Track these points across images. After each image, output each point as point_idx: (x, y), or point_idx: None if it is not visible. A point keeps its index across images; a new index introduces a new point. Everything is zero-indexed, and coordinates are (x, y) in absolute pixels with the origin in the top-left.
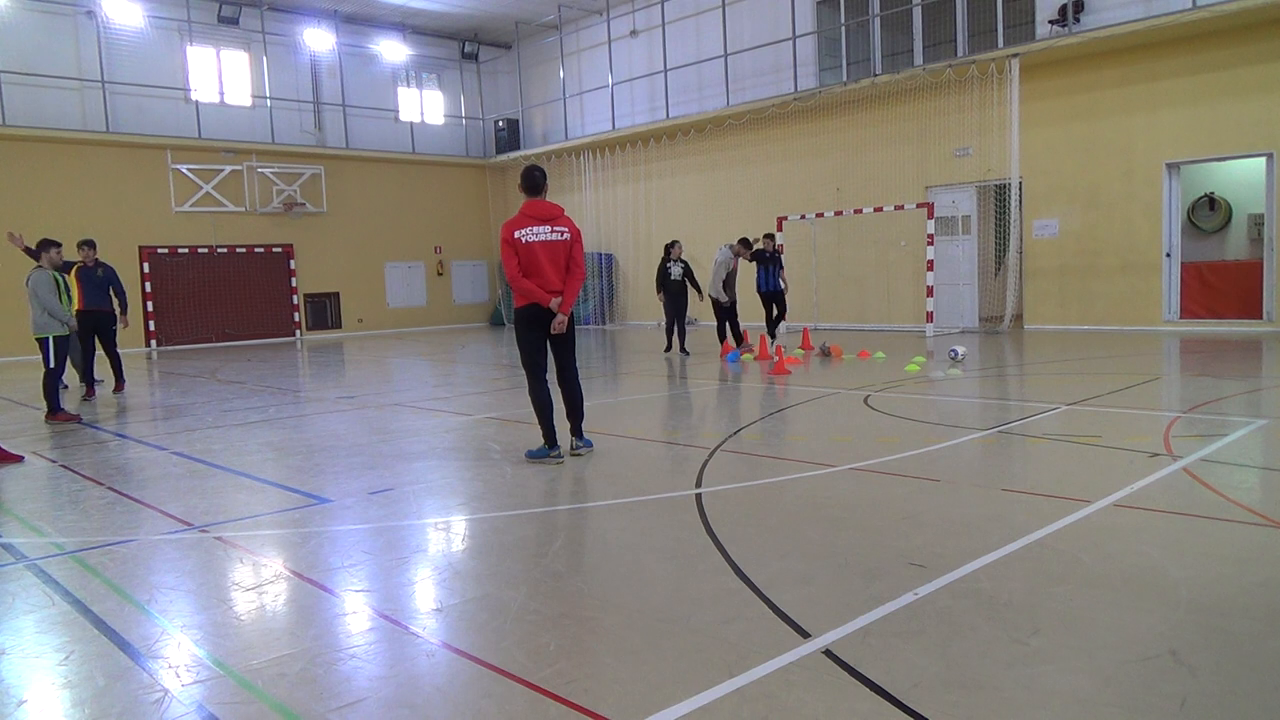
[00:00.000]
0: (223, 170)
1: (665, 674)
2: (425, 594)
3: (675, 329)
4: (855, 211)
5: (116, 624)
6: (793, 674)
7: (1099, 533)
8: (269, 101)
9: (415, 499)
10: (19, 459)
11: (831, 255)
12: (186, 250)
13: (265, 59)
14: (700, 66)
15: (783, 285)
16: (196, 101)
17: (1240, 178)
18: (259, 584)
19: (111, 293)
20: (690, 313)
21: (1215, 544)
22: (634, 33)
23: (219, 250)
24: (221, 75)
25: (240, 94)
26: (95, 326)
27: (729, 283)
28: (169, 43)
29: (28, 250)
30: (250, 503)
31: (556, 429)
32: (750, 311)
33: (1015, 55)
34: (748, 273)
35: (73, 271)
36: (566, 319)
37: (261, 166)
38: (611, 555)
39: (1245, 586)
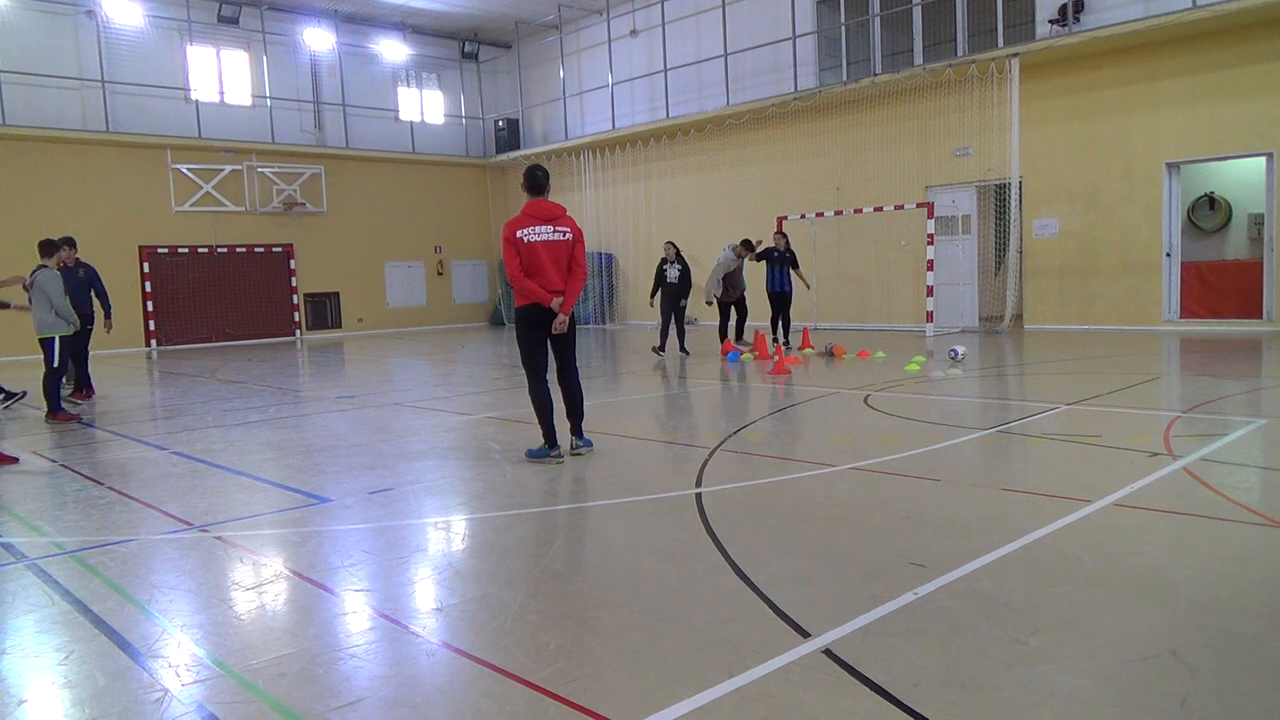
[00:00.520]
0: (223, 170)
1: (665, 674)
2: (425, 594)
3: (674, 329)
4: (855, 211)
5: (116, 623)
6: (792, 674)
7: (1099, 533)
8: (269, 101)
9: (415, 499)
10: (14, 460)
11: (831, 255)
12: (186, 250)
13: (265, 59)
14: (700, 66)
15: (793, 284)
16: (196, 101)
17: (1240, 177)
18: (259, 583)
19: (93, 294)
20: (691, 313)
21: (1215, 544)
22: (634, 32)
23: (219, 250)
24: (221, 75)
25: (240, 94)
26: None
27: (731, 282)
28: (169, 42)
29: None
30: (250, 502)
31: (556, 429)
32: (759, 311)
33: (1015, 55)
34: (758, 273)
35: None
36: (567, 319)
37: (261, 166)
38: (611, 555)
39: (1245, 586)
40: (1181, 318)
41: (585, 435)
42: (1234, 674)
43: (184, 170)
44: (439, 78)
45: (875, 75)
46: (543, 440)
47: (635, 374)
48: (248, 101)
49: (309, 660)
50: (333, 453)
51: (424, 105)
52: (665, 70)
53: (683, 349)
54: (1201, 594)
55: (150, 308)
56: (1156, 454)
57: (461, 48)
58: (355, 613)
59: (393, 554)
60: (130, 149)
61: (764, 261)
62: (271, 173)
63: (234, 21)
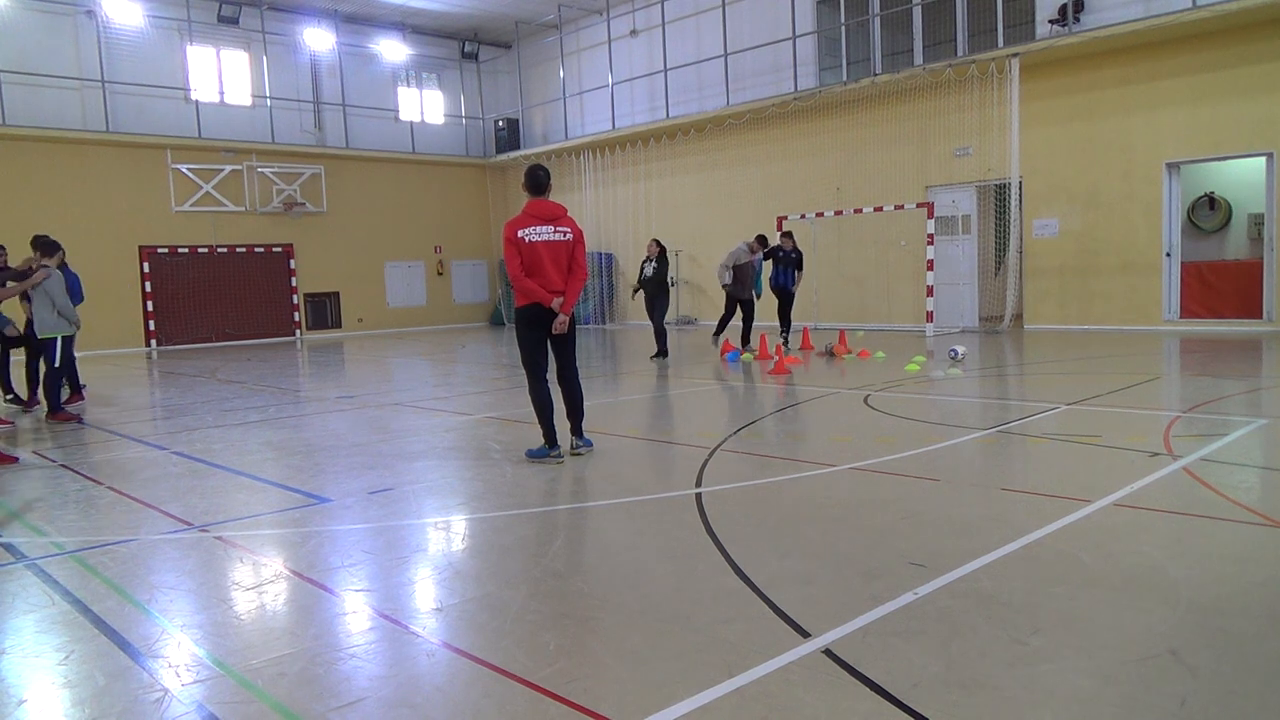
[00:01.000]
0: (223, 170)
1: (665, 674)
2: (425, 593)
3: (664, 329)
4: (855, 211)
5: (116, 623)
6: (793, 674)
7: (1099, 533)
8: (269, 101)
9: (415, 498)
10: (14, 460)
11: (831, 255)
12: (186, 250)
13: (265, 59)
14: (700, 66)
15: (795, 283)
16: (196, 101)
17: (1240, 177)
18: (259, 583)
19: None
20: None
21: (1215, 544)
22: (634, 32)
23: (219, 250)
24: (221, 75)
25: (240, 94)
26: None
27: (742, 276)
28: (169, 42)
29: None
30: (250, 502)
31: (557, 429)
32: (764, 310)
33: (1015, 55)
34: (765, 271)
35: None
36: (568, 319)
37: (261, 166)
38: (611, 555)
39: (1245, 586)
40: (1181, 318)
41: (585, 435)
42: (1234, 674)
43: (184, 170)
44: (439, 78)
45: (875, 75)
46: (543, 440)
47: (635, 374)
48: (248, 101)
49: (309, 660)
50: (333, 453)
51: (424, 105)
52: (665, 70)
53: (658, 353)
54: (1201, 594)
55: (150, 308)
56: (1156, 454)
57: (461, 48)
58: (355, 613)
59: (393, 554)
60: (130, 149)
61: (770, 260)
62: (271, 173)
63: (234, 21)
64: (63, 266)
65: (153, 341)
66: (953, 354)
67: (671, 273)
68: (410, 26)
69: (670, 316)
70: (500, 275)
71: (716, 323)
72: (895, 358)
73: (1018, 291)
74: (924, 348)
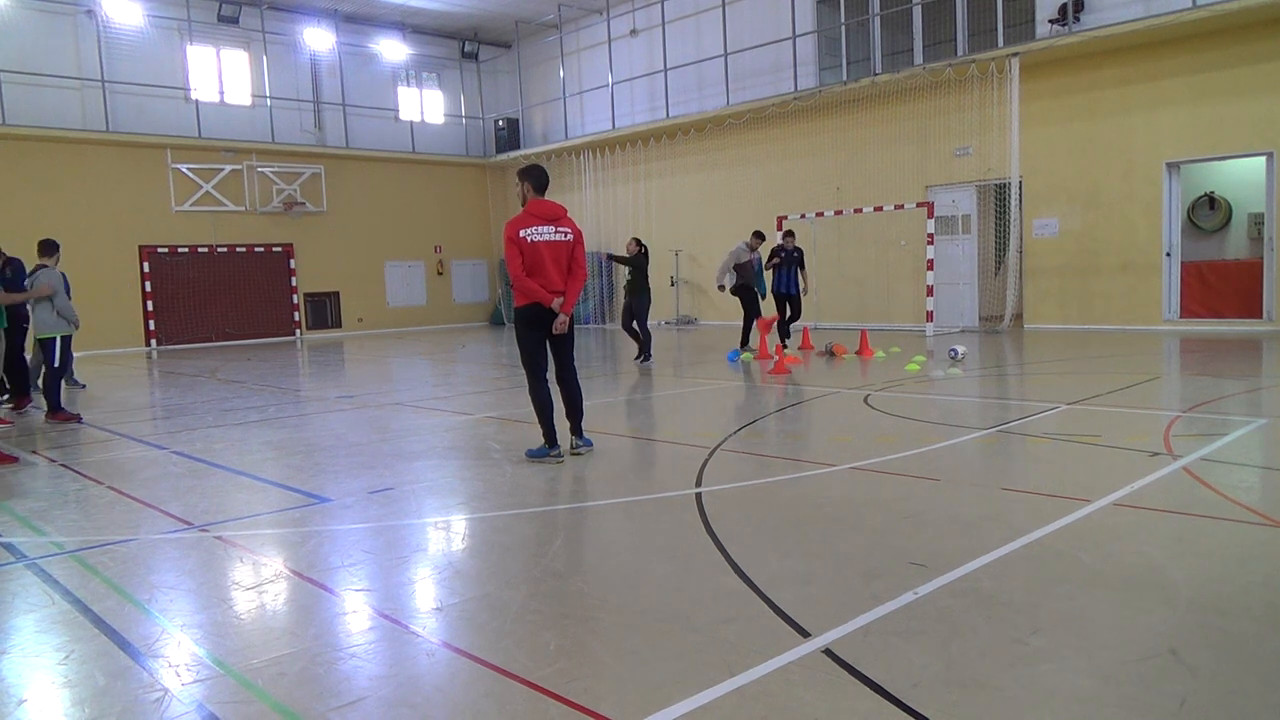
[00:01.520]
0: (223, 170)
1: (665, 674)
2: (425, 593)
3: (635, 331)
4: (855, 211)
5: (116, 623)
6: (793, 673)
7: (1099, 532)
8: (269, 101)
9: (415, 498)
10: (14, 460)
11: (831, 255)
12: (186, 250)
13: (265, 58)
14: (700, 66)
15: (801, 286)
16: (196, 101)
17: (1240, 177)
18: (259, 583)
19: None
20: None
21: (1215, 543)
22: (634, 32)
23: (219, 250)
24: (221, 74)
25: (240, 93)
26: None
27: (743, 274)
28: (169, 42)
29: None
30: (250, 502)
31: (556, 428)
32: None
33: (1015, 55)
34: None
35: None
36: (568, 319)
37: (261, 166)
38: (611, 555)
39: (1245, 586)
40: (1181, 317)
41: (585, 435)
42: (1234, 674)
43: (184, 170)
44: (439, 77)
45: (875, 75)
46: (543, 440)
47: (635, 374)
48: (248, 101)
49: (309, 660)
50: (333, 452)
51: (424, 105)
52: (665, 70)
53: (640, 356)
54: (1201, 594)
55: (150, 307)
56: (1156, 454)
57: (461, 47)
58: (355, 613)
59: (393, 554)
60: (130, 149)
61: (772, 261)
62: (271, 172)
63: (234, 21)
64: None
65: (153, 341)
66: (953, 354)
67: (672, 273)
68: (410, 26)
69: (670, 317)
70: (500, 275)
71: (741, 332)
72: (895, 357)
73: (1018, 291)
74: (924, 347)
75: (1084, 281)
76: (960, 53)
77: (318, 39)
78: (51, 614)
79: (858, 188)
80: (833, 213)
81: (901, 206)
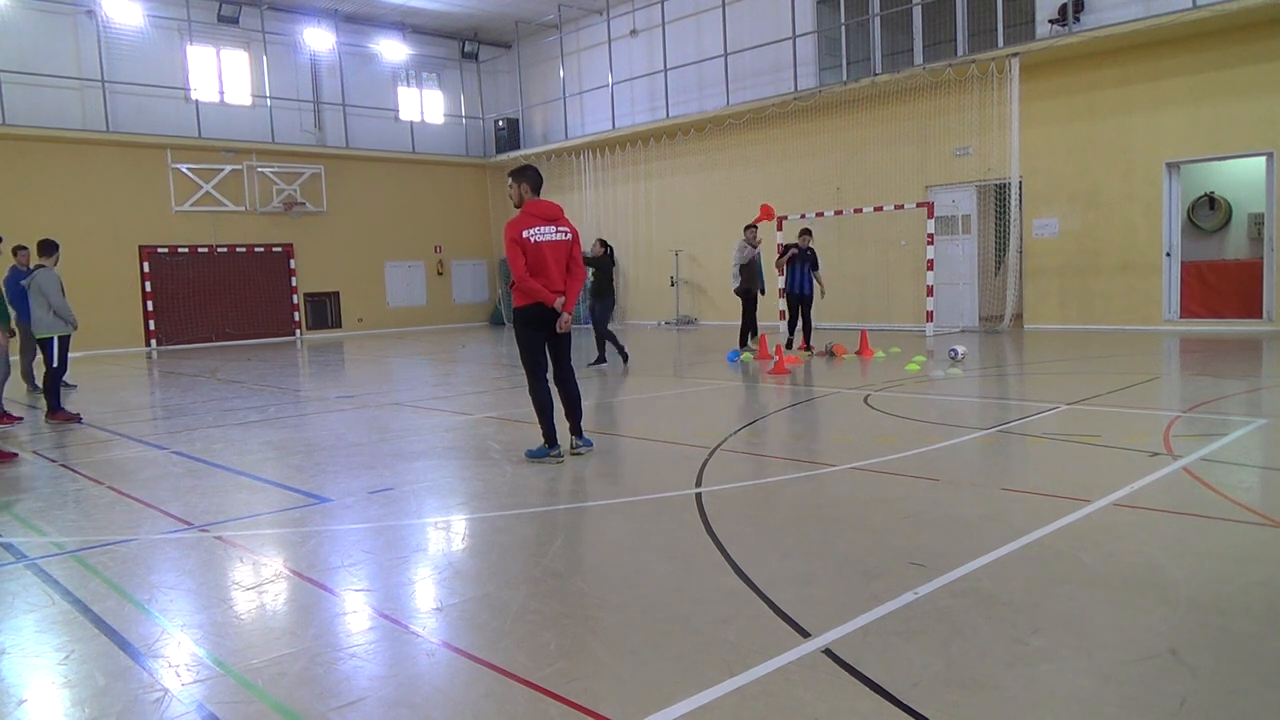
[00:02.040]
0: (223, 170)
1: (665, 674)
2: (425, 593)
3: (601, 336)
4: (855, 211)
5: (116, 623)
6: (793, 673)
7: (1099, 532)
8: (269, 101)
9: (415, 498)
10: (13, 456)
11: (831, 255)
12: (186, 250)
13: (265, 58)
14: (700, 66)
15: (817, 289)
16: (196, 101)
17: (1240, 177)
18: (259, 583)
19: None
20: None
21: (1215, 544)
22: (634, 32)
23: (219, 250)
24: (221, 74)
25: (240, 93)
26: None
27: (749, 273)
28: (169, 42)
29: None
30: (250, 502)
31: (556, 428)
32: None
33: (1015, 55)
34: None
35: None
36: (570, 318)
37: (261, 166)
38: (611, 555)
39: (1245, 586)
40: (1181, 317)
41: (585, 435)
42: (1234, 674)
43: (184, 170)
44: (439, 77)
45: (875, 75)
46: (543, 440)
47: (635, 374)
48: (248, 101)
49: (309, 660)
50: (333, 452)
51: (424, 105)
52: (665, 70)
53: (598, 360)
54: (1201, 594)
55: (150, 307)
56: (1156, 454)
57: (461, 48)
58: (355, 613)
59: (393, 554)
60: (130, 149)
61: (787, 260)
62: (271, 172)
63: (234, 21)
64: (29, 269)
65: (153, 341)
66: (953, 354)
67: (672, 274)
68: (410, 26)
69: (670, 317)
70: (500, 275)
71: (739, 333)
72: (895, 357)
73: (1018, 291)
74: (924, 347)
75: (1084, 281)
76: (960, 53)
77: (318, 39)
78: (51, 614)
79: (858, 188)
80: (833, 213)
81: (901, 206)
